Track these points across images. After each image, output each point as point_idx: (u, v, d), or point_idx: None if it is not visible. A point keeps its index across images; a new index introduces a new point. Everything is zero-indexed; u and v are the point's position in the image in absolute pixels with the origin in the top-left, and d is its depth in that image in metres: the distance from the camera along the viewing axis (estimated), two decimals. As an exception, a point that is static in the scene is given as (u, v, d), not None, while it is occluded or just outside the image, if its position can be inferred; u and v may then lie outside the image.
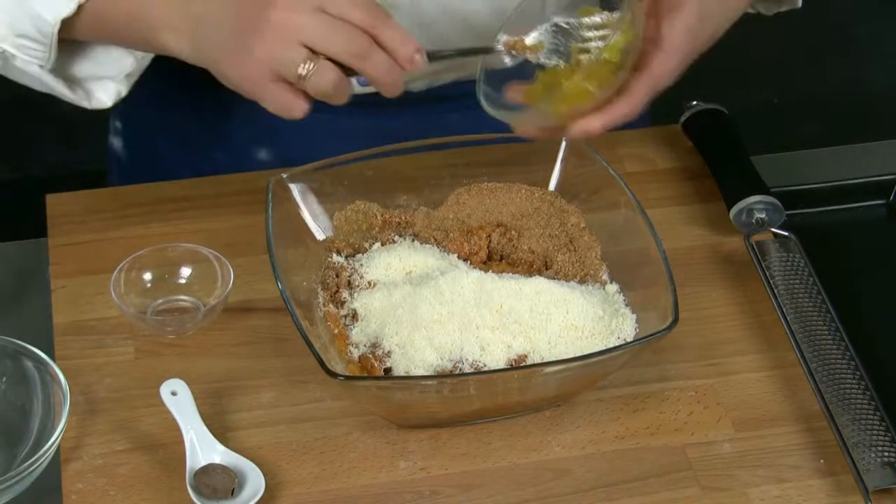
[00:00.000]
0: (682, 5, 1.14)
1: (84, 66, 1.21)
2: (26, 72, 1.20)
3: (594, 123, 1.12)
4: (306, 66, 1.09)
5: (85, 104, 1.24)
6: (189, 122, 1.44)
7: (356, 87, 1.35)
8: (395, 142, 1.26)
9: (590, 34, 1.15)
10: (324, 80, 1.09)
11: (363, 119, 1.39)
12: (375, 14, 1.09)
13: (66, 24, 1.16)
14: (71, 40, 1.19)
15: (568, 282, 1.20)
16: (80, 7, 1.14)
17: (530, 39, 1.16)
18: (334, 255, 1.23)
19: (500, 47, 1.15)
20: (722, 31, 1.22)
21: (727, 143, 1.39)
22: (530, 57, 1.16)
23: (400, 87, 1.11)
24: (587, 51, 1.14)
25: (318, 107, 1.32)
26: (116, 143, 1.52)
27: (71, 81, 1.23)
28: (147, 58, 1.24)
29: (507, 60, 1.16)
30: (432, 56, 1.12)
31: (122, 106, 1.51)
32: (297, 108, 1.11)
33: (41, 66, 1.19)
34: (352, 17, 1.08)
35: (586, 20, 1.15)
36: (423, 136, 1.30)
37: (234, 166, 1.39)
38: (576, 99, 1.12)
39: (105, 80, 1.23)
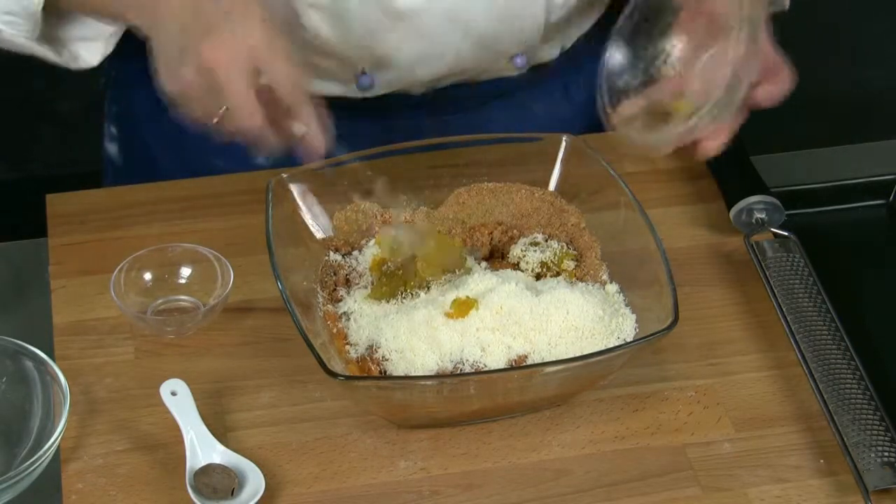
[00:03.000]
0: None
1: (68, 29, 1.23)
2: (14, 42, 1.22)
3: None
4: (220, 112, 1.10)
5: (72, 65, 1.26)
6: (185, 126, 1.44)
7: (356, 91, 1.36)
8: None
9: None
10: (236, 124, 1.11)
11: (363, 123, 1.39)
12: (302, 99, 1.11)
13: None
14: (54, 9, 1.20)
15: (568, 282, 1.20)
16: None
17: None
18: (331, 252, 1.22)
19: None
20: None
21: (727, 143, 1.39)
22: None
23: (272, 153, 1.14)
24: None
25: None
26: (112, 148, 1.52)
27: (57, 44, 1.24)
28: None
29: None
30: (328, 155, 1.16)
31: (115, 112, 1.51)
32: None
33: (27, 38, 1.21)
34: (278, 89, 1.10)
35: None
36: (422, 138, 1.31)
37: (231, 172, 1.39)
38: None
39: (89, 41, 1.25)
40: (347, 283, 1.20)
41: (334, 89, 1.36)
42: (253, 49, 1.09)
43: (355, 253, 1.23)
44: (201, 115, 1.12)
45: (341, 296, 1.19)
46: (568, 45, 1.42)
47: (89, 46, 1.25)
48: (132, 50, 1.45)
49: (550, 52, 1.40)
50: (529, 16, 1.34)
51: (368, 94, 1.36)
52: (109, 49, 1.27)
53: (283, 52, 1.10)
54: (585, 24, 1.42)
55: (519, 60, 1.37)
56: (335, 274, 1.21)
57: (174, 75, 1.11)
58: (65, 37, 1.23)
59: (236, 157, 1.43)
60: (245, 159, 1.43)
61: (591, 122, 1.43)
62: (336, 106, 1.36)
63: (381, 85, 1.35)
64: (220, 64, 1.08)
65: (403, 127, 1.38)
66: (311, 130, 1.13)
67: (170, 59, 1.11)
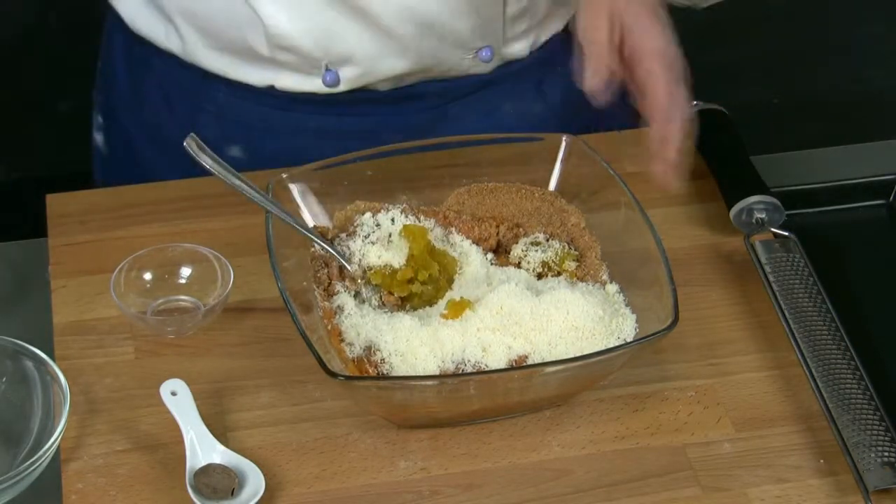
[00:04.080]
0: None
1: None
2: None
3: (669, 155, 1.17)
4: None
5: None
6: (162, 117, 1.45)
7: (321, 86, 1.36)
8: (362, 140, 1.27)
9: None
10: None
11: (330, 118, 1.39)
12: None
13: None
14: None
15: (568, 282, 1.20)
16: None
17: None
18: (316, 244, 1.21)
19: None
20: None
21: (727, 143, 1.39)
22: None
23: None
24: None
25: (285, 105, 1.33)
26: (98, 137, 1.53)
27: None
28: None
29: None
30: None
31: (103, 102, 1.52)
32: None
33: None
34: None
35: None
36: (389, 134, 1.31)
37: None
38: None
39: None
40: (342, 274, 1.20)
41: (301, 84, 1.36)
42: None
43: (343, 237, 1.22)
44: None
45: (337, 289, 1.18)
46: (539, 42, 1.41)
47: None
48: (117, 40, 1.45)
49: (520, 50, 1.40)
50: (487, 7, 1.33)
51: (335, 90, 1.36)
52: None
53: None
54: (557, 23, 1.42)
55: (484, 53, 1.37)
56: (326, 266, 1.20)
57: None
58: None
59: (215, 150, 1.43)
60: (224, 151, 1.43)
61: (563, 122, 1.43)
62: (304, 101, 1.36)
63: (347, 81, 1.35)
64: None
65: (370, 124, 1.38)
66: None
67: None
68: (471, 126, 1.37)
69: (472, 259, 1.22)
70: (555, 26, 1.42)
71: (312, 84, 1.36)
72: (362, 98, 1.38)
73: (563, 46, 1.39)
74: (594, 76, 1.16)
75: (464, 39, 1.35)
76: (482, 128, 1.36)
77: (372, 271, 1.19)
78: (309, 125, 1.40)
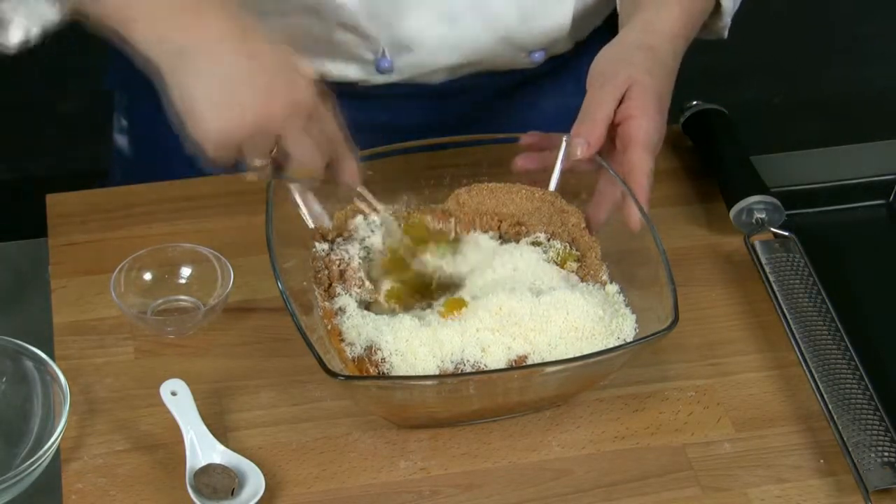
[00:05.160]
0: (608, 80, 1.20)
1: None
2: None
3: (633, 220, 1.18)
4: (261, 162, 1.11)
5: None
6: None
7: (374, 74, 1.35)
8: (409, 136, 1.26)
9: None
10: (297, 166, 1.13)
11: (378, 113, 1.39)
12: (348, 148, 1.15)
13: None
14: None
15: (568, 282, 1.20)
16: None
17: None
18: (317, 243, 1.22)
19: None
20: (677, 53, 1.22)
21: (727, 143, 1.39)
22: None
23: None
24: None
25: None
26: (121, 140, 1.52)
27: None
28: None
29: None
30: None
31: (126, 103, 1.51)
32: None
33: None
34: (328, 132, 1.13)
35: None
36: (437, 128, 1.30)
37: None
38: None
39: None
40: (342, 277, 1.20)
41: (352, 73, 1.35)
42: (308, 100, 1.11)
43: (340, 241, 1.22)
44: (230, 160, 1.11)
45: (338, 291, 1.19)
46: (583, 37, 1.42)
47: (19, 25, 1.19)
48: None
49: (566, 45, 1.41)
50: (555, 18, 1.34)
51: (385, 80, 1.36)
52: (33, 39, 1.23)
53: (330, 107, 1.12)
54: (598, 17, 1.42)
55: (537, 55, 1.38)
56: (328, 269, 1.20)
57: (218, 122, 1.09)
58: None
59: None
60: None
61: None
62: (351, 95, 1.36)
63: (399, 69, 1.35)
64: (278, 113, 1.09)
65: (418, 118, 1.38)
66: (350, 177, 1.16)
67: (213, 106, 1.09)
68: (513, 121, 1.37)
69: (478, 238, 1.23)
70: (596, 20, 1.42)
71: (364, 71, 1.35)
72: (408, 93, 1.37)
73: (600, 39, 1.39)
74: (584, 148, 1.20)
75: (524, 43, 1.35)
76: (524, 122, 1.36)
77: (409, 221, 1.22)
78: (356, 121, 1.39)
